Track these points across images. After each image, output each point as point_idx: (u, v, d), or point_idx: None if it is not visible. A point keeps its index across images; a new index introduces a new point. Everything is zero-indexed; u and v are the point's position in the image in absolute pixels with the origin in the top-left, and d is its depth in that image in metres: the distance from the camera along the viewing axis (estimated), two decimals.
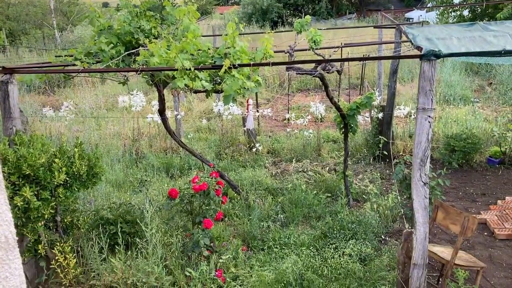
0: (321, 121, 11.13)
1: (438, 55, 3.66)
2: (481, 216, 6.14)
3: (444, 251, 4.55)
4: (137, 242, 4.96)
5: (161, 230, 5.20)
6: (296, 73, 5.70)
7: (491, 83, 14.14)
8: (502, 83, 12.94)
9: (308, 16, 5.87)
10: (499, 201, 6.61)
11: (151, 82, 5.36)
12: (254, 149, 8.81)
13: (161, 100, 6.03)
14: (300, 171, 7.99)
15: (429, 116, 3.69)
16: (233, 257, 5.10)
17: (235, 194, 6.70)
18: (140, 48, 4.85)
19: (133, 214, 5.42)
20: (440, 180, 5.28)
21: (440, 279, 4.65)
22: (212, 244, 5.10)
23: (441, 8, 16.77)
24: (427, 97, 3.68)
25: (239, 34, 4.52)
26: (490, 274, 4.97)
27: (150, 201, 6.01)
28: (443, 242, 5.60)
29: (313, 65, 5.76)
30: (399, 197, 5.80)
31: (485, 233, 5.87)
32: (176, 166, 8.24)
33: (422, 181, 3.84)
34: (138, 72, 4.11)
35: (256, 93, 11.23)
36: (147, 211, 4.77)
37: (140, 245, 4.87)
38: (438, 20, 17.15)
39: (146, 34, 5.04)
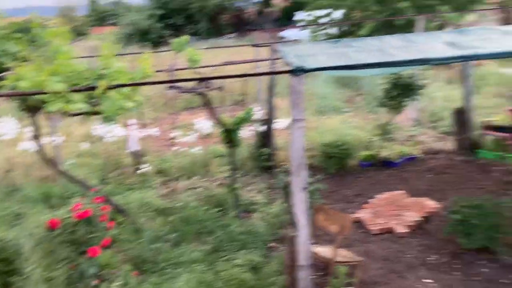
0: (208, 137, 11.28)
1: (304, 70, 4.00)
2: (357, 215, 6.71)
3: (326, 251, 4.91)
4: (14, 281, 4.57)
5: (42, 264, 4.86)
6: (178, 92, 5.78)
7: (360, 94, 15.52)
8: (369, 93, 14.29)
9: (185, 36, 5.99)
10: (370, 200, 7.29)
11: (22, 108, 5.04)
12: (139, 171, 8.62)
13: (35, 126, 5.68)
14: (190, 188, 8.00)
15: (301, 126, 4.00)
16: (124, 284, 4.94)
17: (124, 218, 6.49)
18: (8, 72, 4.54)
19: (8, 250, 4.98)
20: (318, 185, 5.69)
21: (325, 278, 4.99)
22: (100, 272, 4.89)
23: (312, 26, 18.10)
24: (298, 109, 3.99)
25: (119, 54, 4.48)
26: (367, 267, 5.44)
27: (29, 234, 5.57)
28: (327, 243, 6.01)
29: (196, 83, 5.89)
30: (284, 204, 6.11)
31: (361, 230, 6.42)
32: (57, 195, 7.73)
33: (301, 187, 4.13)
34: (4, 98, 3.85)
35: (143, 113, 11.04)
36: (24, 246, 4.44)
37: (19, 284, 4.50)
38: (310, 38, 18.44)
39: (13, 57, 4.74)
